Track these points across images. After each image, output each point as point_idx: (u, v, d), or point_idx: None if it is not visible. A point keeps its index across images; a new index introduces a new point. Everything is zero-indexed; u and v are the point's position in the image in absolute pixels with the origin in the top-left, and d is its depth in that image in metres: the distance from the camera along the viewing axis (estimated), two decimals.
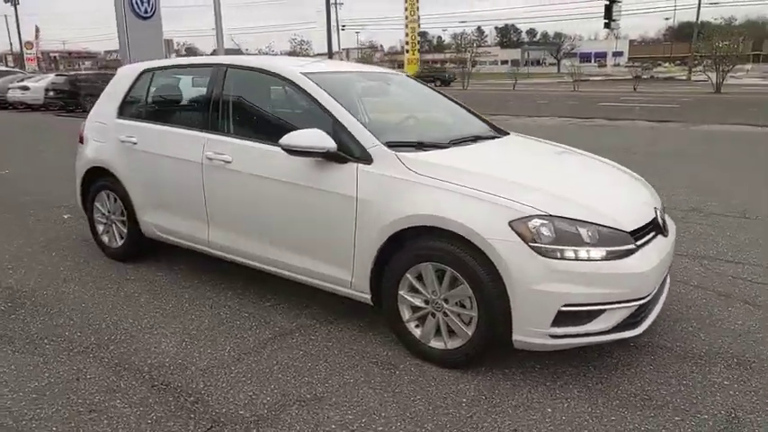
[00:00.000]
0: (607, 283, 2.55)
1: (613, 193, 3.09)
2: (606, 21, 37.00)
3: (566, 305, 2.52)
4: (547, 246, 2.52)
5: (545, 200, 2.65)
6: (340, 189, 2.98)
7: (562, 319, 2.54)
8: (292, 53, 59.98)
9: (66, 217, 5.70)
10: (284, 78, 3.40)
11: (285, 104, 3.67)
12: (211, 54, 24.85)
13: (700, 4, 42.72)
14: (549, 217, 2.56)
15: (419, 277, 2.83)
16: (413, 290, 2.87)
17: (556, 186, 2.85)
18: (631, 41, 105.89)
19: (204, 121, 3.64)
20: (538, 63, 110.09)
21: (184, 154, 3.66)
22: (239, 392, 2.62)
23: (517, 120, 16.29)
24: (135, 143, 3.97)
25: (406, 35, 20.82)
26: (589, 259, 2.55)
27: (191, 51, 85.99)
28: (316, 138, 2.98)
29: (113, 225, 4.33)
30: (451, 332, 2.80)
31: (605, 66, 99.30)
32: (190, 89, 4.06)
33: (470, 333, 2.71)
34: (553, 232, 2.53)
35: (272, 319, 3.39)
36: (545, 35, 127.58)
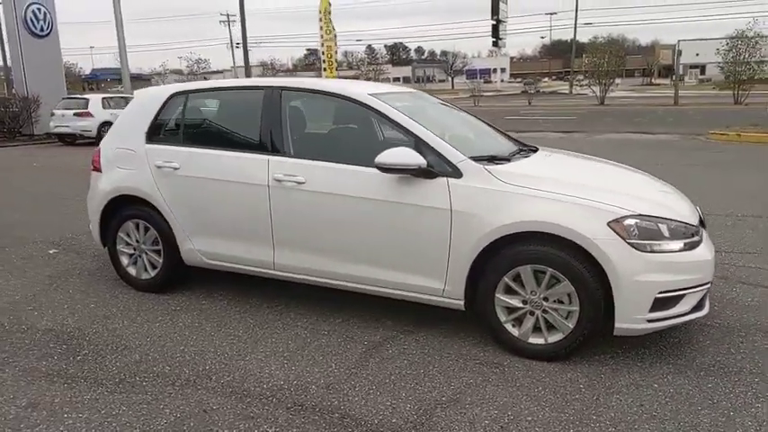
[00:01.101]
0: (687, 270, 2.95)
1: (666, 194, 3.52)
2: (494, 39, 39.72)
3: (660, 292, 2.88)
4: (639, 241, 2.87)
5: (630, 201, 3.02)
6: (432, 203, 3.16)
7: (657, 305, 2.90)
8: (190, 73, 57.94)
9: (52, 252, 5.30)
10: (353, 100, 3.52)
11: (353, 125, 3.78)
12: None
13: (576, 25, 46.90)
14: (639, 216, 2.92)
15: (515, 279, 3.08)
16: (508, 292, 3.10)
17: (627, 189, 3.23)
18: (512, 58, 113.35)
19: (264, 144, 3.65)
20: (428, 80, 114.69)
21: (245, 177, 3.64)
22: (377, 403, 2.71)
23: None
24: (176, 168, 3.87)
25: (323, 53, 21.03)
26: (671, 251, 2.93)
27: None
28: (409, 156, 3.14)
29: (143, 256, 4.15)
30: (550, 327, 3.06)
31: (491, 82, 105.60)
32: (235, 112, 4.02)
33: (571, 326, 3.00)
34: (642, 229, 2.89)
35: (353, 334, 3.46)
36: (432, 53, 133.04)
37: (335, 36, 20.73)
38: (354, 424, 2.55)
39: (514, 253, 3.04)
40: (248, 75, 23.74)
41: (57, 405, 2.71)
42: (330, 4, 20.21)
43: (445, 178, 3.17)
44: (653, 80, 70.93)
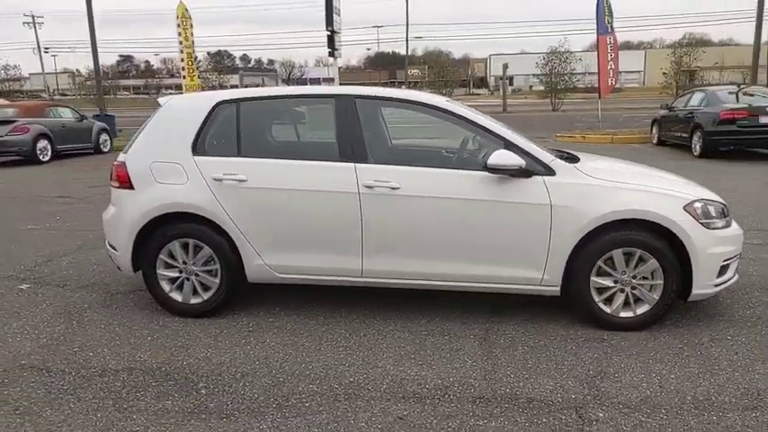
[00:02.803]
0: (733, 242, 3.64)
1: (689, 183, 4.16)
2: (330, 50, 40.77)
3: (724, 260, 3.53)
4: (705, 221, 3.49)
5: (688, 188, 3.63)
6: (533, 200, 3.46)
7: (721, 272, 3.54)
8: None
9: (24, 288, 4.51)
10: (435, 107, 3.69)
11: (434, 131, 3.89)
12: None
13: (408, 38, 49.84)
14: (701, 200, 3.54)
15: (606, 262, 3.51)
16: (601, 274, 3.53)
17: (670, 180, 3.85)
18: (339, 68, 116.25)
19: (346, 151, 3.62)
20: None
21: (330, 185, 3.58)
22: (543, 385, 2.93)
23: None
24: (242, 180, 3.64)
25: (182, 60, 19.80)
26: (721, 227, 3.60)
27: None
28: (512, 157, 3.41)
29: (192, 278, 3.80)
30: (637, 301, 3.55)
31: None
32: (302, 120, 3.88)
33: (656, 297, 3.51)
34: (703, 211, 3.51)
35: (456, 331, 3.60)
36: (259, 61, 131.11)
37: (194, 42, 19.66)
38: (543, 404, 2.75)
39: (608, 239, 3.47)
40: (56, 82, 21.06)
41: None
42: (187, 9, 19.12)
43: (541, 176, 3.49)
44: (471, 90, 78.15)
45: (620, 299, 3.55)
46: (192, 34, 19.44)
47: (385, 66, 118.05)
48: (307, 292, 4.10)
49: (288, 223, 3.66)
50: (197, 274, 3.80)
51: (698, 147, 11.36)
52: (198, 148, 3.76)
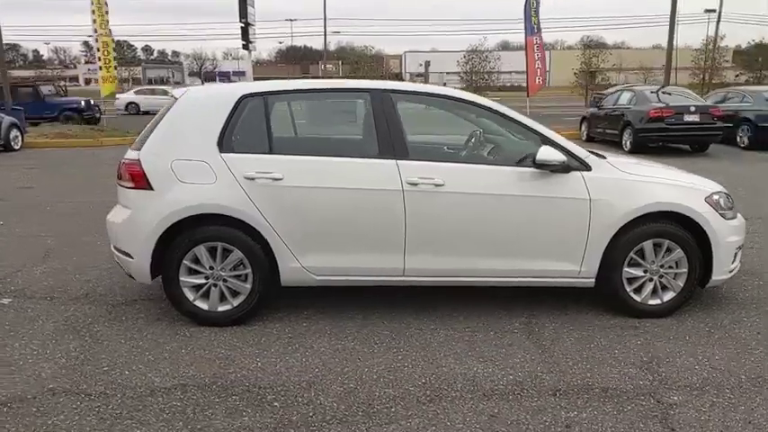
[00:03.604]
0: (741, 232, 3.93)
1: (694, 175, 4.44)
2: (244, 42, 39.61)
3: (737, 248, 3.81)
4: (720, 211, 3.74)
5: (703, 182, 3.88)
6: (573, 194, 3.56)
7: (733, 259, 3.81)
8: None
9: (6, 302, 4.01)
10: (473, 103, 3.68)
11: (471, 127, 3.86)
12: None
13: (326, 32, 49.38)
14: (717, 192, 3.79)
15: (637, 253, 3.67)
16: (632, 265, 3.69)
17: (684, 174, 4.09)
18: (252, 62, 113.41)
19: (386, 148, 3.53)
20: (163, 81, 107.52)
21: (373, 183, 3.47)
22: (611, 374, 3.03)
23: None
24: (277, 179, 3.45)
25: (98, 50, 18.29)
26: (732, 218, 3.87)
27: None
28: (556, 153, 3.49)
29: (220, 284, 3.56)
30: (663, 288, 3.74)
31: None
32: (335, 115, 3.71)
33: (681, 285, 3.72)
34: (719, 202, 3.77)
35: (498, 326, 3.62)
36: (162, 53, 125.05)
37: (111, 31, 18.32)
38: (619, 393, 2.84)
39: (640, 231, 3.63)
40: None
41: None
42: None
43: (579, 172, 3.59)
44: None
45: (648, 287, 3.73)
46: (108, 21, 18.14)
47: (298, 60, 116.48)
48: (320, 295, 3.94)
49: (327, 223, 3.52)
50: (225, 280, 3.56)
51: (628, 143, 12.17)
52: (224, 144, 3.52)
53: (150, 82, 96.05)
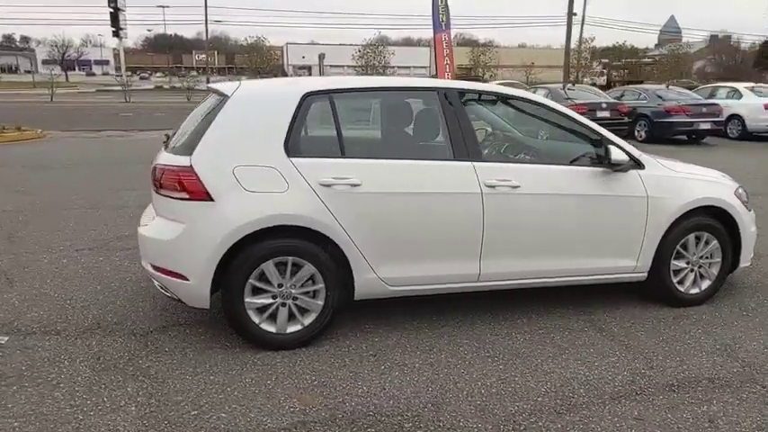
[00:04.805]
0: (755, 222, 4.29)
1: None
2: (114, 29, 36.64)
3: (756, 237, 4.16)
4: (745, 204, 4.07)
5: (724, 177, 4.18)
6: (633, 192, 3.67)
7: (752, 248, 4.17)
8: None
9: (4, 341, 3.29)
10: (538, 104, 3.65)
11: (534, 125, 3.79)
12: None
13: (207, 20, 47.00)
14: (740, 186, 4.12)
15: (682, 246, 3.88)
16: (677, 257, 3.89)
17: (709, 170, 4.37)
18: (114, 50, 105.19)
19: (460, 149, 3.37)
20: (11, 70, 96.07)
21: (452, 187, 3.32)
22: (712, 363, 3.15)
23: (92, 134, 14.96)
24: (355, 185, 3.16)
25: None
26: (750, 209, 4.22)
27: None
28: (622, 153, 3.58)
29: (289, 302, 3.20)
30: (701, 277, 3.99)
31: (94, 74, 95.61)
32: (404, 115, 3.45)
33: (715, 273, 4.00)
34: (743, 195, 4.09)
35: (566, 326, 3.63)
36: (9, 38, 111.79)
37: None
38: (725, 382, 2.97)
39: (685, 225, 3.84)
40: None
41: None
42: None
43: (635, 170, 3.70)
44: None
45: (690, 278, 3.96)
46: None
47: (168, 49, 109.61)
48: (357, 307, 3.66)
49: (405, 230, 3.30)
50: (295, 298, 3.22)
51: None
52: (291, 147, 3.16)
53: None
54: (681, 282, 3.94)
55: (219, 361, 3.12)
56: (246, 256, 3.08)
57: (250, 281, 3.11)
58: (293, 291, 3.20)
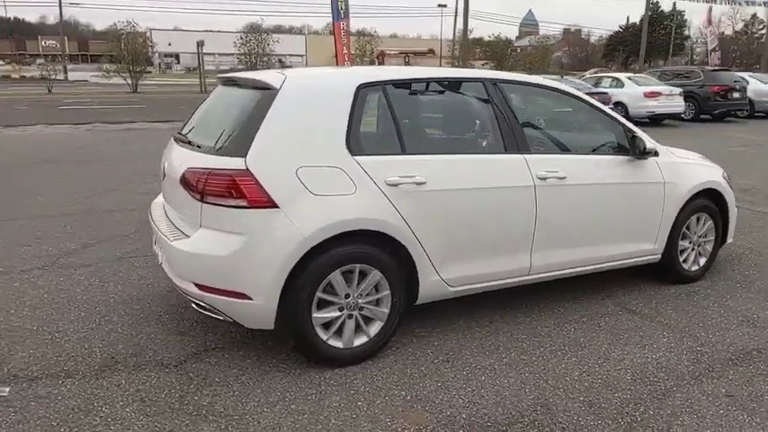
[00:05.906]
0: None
1: None
2: None
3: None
4: (730, 185, 4.44)
5: (707, 159, 4.53)
6: (653, 178, 3.85)
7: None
8: None
9: (7, 392, 2.64)
10: (570, 95, 3.67)
11: (570, 117, 3.78)
12: None
13: (61, 5, 42.38)
14: (723, 170, 4.48)
15: (687, 227, 4.14)
16: (683, 238, 4.15)
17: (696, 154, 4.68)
18: None
19: (510, 141, 3.30)
20: None
21: (509, 180, 3.23)
22: (756, 338, 3.38)
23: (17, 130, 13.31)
24: (420, 183, 2.95)
25: None
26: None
27: None
28: (651, 142, 3.72)
29: (356, 313, 2.93)
30: (700, 255, 4.29)
31: None
32: (456, 108, 3.27)
33: (710, 249, 4.33)
34: (726, 177, 4.46)
35: (604, 312, 3.71)
36: None
37: None
38: (747, 354, 3.21)
39: (691, 207, 4.10)
40: None
41: None
42: None
43: (653, 158, 3.87)
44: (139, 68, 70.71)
45: (692, 257, 4.24)
46: None
47: (9, 34, 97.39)
48: None
49: (468, 228, 3.16)
50: (361, 308, 2.95)
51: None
52: (353, 145, 2.87)
53: None
54: (685, 260, 4.21)
55: (287, 386, 2.77)
56: (315, 266, 2.76)
57: (318, 294, 2.80)
58: (360, 300, 2.93)
